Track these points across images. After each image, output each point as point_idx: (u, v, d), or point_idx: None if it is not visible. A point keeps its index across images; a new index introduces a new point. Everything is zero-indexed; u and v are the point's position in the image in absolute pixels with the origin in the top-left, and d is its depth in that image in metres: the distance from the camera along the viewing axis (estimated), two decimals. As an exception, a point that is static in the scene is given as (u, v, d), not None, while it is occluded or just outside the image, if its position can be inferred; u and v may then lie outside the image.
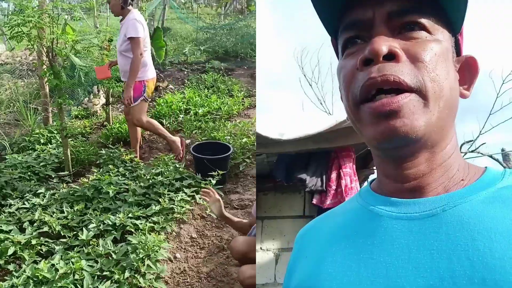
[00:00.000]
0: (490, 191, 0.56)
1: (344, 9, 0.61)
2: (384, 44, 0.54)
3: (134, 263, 2.52)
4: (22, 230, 2.93)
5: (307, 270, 0.66)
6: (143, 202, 3.29)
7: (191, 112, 5.41)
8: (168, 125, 5.08)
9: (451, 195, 0.57)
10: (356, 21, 0.59)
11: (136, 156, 4.00)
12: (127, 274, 2.45)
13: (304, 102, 8.30)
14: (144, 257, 2.56)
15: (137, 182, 3.55)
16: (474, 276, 0.49)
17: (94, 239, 2.80)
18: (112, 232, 2.89)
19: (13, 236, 2.78)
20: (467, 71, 0.64)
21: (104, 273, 2.49)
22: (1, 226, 2.89)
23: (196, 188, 3.44)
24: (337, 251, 0.63)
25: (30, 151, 4.32)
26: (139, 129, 4.09)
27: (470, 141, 5.34)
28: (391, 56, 0.55)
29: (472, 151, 5.43)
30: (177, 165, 3.77)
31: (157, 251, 2.63)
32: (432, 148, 0.58)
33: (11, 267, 2.58)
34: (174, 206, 3.17)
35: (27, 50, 8.91)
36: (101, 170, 3.80)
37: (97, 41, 4.31)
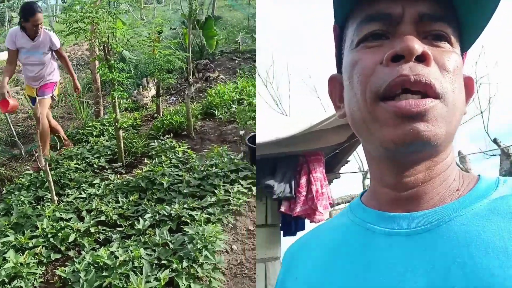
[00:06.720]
0: (485, 203, 0.57)
1: None
2: (417, 44, 0.56)
3: (192, 253, 2.68)
4: (80, 219, 3.21)
5: None
6: (197, 193, 3.47)
7: (245, 102, 5.56)
8: (220, 116, 5.26)
9: (446, 207, 0.59)
10: (383, 14, 0.59)
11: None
12: (185, 263, 2.61)
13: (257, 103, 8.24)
14: (201, 248, 2.72)
15: (191, 173, 3.74)
16: None
17: (150, 229, 3.01)
18: (167, 222, 3.09)
19: (72, 224, 3.05)
20: (465, 90, 0.67)
21: (162, 262, 2.67)
22: (61, 215, 3.18)
23: (252, 180, 3.57)
24: (330, 272, 0.64)
25: (84, 143, 4.67)
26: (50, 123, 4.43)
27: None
28: (422, 58, 0.56)
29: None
30: (232, 157, 3.92)
31: (214, 242, 2.79)
32: (434, 157, 0.61)
33: (71, 253, 2.85)
34: (230, 197, 3.32)
35: (76, 46, 9.52)
36: (153, 161, 4.04)
37: (146, 34, 4.54)
